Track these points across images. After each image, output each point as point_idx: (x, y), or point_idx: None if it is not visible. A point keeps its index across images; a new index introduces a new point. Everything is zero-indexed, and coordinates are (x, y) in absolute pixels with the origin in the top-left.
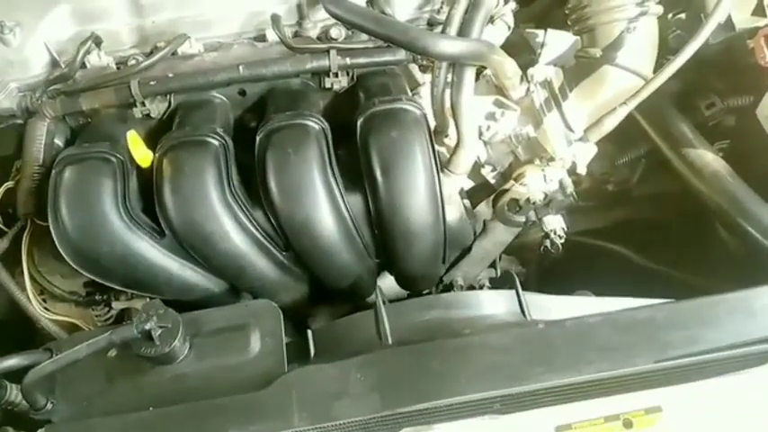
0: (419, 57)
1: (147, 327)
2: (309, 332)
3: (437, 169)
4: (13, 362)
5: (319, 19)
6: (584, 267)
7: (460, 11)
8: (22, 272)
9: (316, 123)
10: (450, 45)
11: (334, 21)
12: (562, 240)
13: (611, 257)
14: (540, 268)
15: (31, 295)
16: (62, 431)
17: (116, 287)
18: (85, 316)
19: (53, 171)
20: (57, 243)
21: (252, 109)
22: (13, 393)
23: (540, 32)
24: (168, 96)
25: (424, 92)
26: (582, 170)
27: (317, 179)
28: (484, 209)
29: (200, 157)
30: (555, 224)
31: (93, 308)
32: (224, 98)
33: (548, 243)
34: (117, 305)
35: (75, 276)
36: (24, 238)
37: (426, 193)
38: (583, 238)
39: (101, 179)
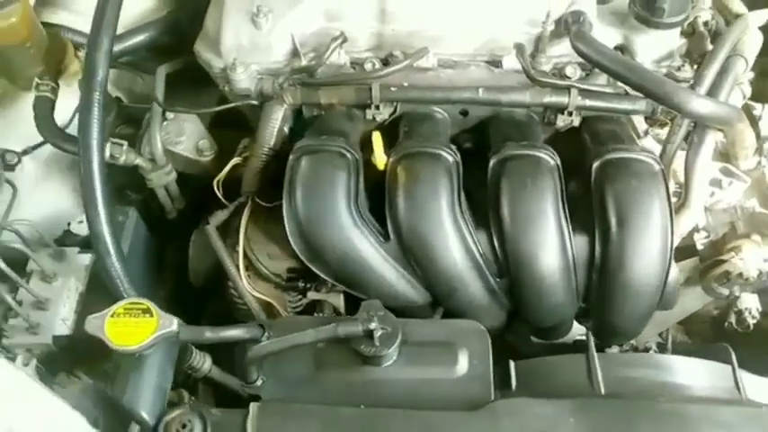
0: (659, 110)
1: (372, 327)
2: (512, 363)
3: (672, 228)
4: (235, 333)
5: (554, 55)
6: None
7: (712, 72)
8: (233, 245)
9: (551, 158)
10: (702, 105)
11: (568, 59)
12: (755, 320)
13: None
14: (704, 341)
15: (242, 269)
16: (277, 410)
17: (325, 278)
18: (280, 299)
19: (291, 157)
20: (287, 226)
21: (469, 130)
22: (197, 359)
23: (758, 105)
24: (395, 104)
25: (646, 145)
26: None
27: (550, 213)
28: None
29: (436, 169)
30: (751, 303)
31: (289, 293)
32: (446, 115)
33: (733, 320)
34: (312, 295)
35: (282, 259)
36: (244, 215)
37: (659, 251)
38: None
39: (336, 172)
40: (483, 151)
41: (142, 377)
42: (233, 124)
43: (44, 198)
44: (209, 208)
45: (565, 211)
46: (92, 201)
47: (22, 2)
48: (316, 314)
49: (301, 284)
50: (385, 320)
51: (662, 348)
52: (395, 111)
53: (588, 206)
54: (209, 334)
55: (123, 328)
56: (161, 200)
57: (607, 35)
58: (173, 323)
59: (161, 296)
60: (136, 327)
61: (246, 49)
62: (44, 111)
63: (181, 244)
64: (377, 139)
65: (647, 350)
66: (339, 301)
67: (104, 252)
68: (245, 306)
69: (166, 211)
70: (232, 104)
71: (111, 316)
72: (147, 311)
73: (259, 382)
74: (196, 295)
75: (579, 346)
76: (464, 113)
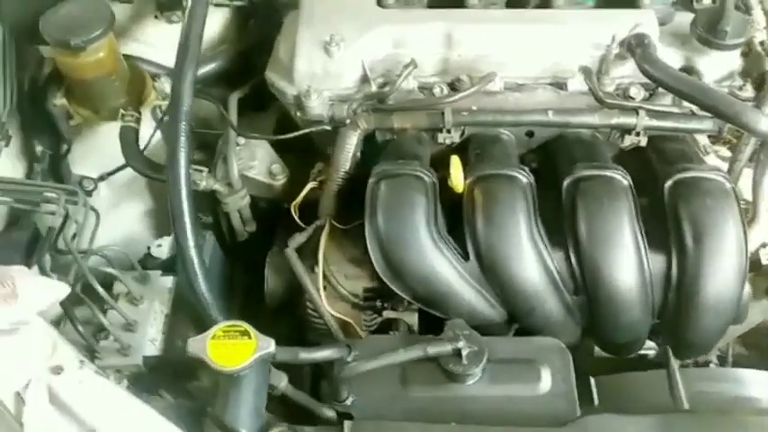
0: (725, 129)
1: (460, 345)
2: (592, 380)
3: (746, 244)
4: (327, 353)
5: (617, 76)
6: None
7: None
8: (311, 267)
9: (623, 178)
10: None
11: (630, 79)
12: None
13: None
14: (762, 353)
15: (321, 290)
16: (370, 428)
17: (405, 297)
18: (356, 318)
19: (370, 181)
20: (369, 249)
21: (534, 150)
22: (275, 377)
23: None
24: (463, 127)
25: (711, 162)
26: None
27: (627, 232)
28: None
29: (513, 190)
30: None
31: (365, 312)
32: (512, 136)
33: None
34: (387, 314)
35: (359, 279)
36: (323, 237)
37: (735, 267)
38: None
39: (415, 195)
40: (547, 170)
41: (241, 396)
42: (291, 148)
43: (118, 222)
44: (281, 231)
45: (641, 230)
46: (181, 226)
47: (108, 36)
48: (391, 332)
49: (378, 304)
50: (471, 339)
51: (722, 361)
52: (462, 133)
53: (660, 224)
54: (304, 355)
55: (224, 349)
56: (234, 223)
57: (668, 56)
58: (270, 345)
59: (233, 317)
60: (235, 348)
61: (319, 76)
62: (130, 140)
63: (247, 265)
64: (456, 163)
65: (706, 364)
66: (413, 319)
67: (193, 275)
68: (324, 326)
69: (237, 234)
70: (307, 130)
71: (212, 338)
72: (245, 333)
73: (349, 401)
74: (261, 315)
75: (646, 362)
76: (530, 134)
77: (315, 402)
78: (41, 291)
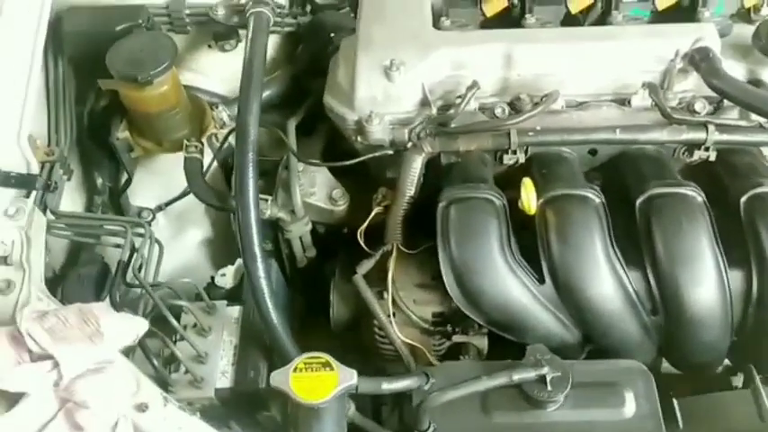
0: None
1: (544, 371)
2: (675, 401)
3: None
4: (407, 382)
5: (679, 90)
6: None
7: None
8: (379, 293)
9: (698, 195)
10: None
11: (692, 93)
12: None
13: None
14: None
15: (391, 316)
16: None
17: (479, 322)
18: (426, 342)
19: (440, 206)
20: (443, 275)
21: (597, 168)
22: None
23: None
24: (525, 147)
25: None
26: None
27: (707, 250)
28: None
29: (586, 210)
30: None
31: (434, 336)
32: (575, 155)
33: None
34: (457, 338)
35: (428, 304)
36: (391, 263)
37: None
38: None
39: (488, 218)
40: (613, 188)
41: (323, 428)
42: (346, 172)
43: (177, 252)
44: (343, 256)
45: (719, 248)
46: (251, 256)
47: (171, 71)
48: (461, 357)
49: (449, 328)
50: (554, 364)
51: None
52: (526, 153)
53: (733, 239)
54: (386, 385)
55: (307, 382)
56: (295, 250)
57: (731, 69)
58: (353, 376)
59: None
60: (318, 380)
61: (380, 101)
62: (195, 171)
63: (302, 289)
64: (528, 185)
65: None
66: (483, 343)
67: (264, 305)
68: (393, 352)
69: (297, 260)
70: (369, 155)
71: (294, 371)
72: (326, 365)
73: (431, 430)
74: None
75: (714, 378)
76: (593, 152)
77: (382, 430)
78: (123, 327)
